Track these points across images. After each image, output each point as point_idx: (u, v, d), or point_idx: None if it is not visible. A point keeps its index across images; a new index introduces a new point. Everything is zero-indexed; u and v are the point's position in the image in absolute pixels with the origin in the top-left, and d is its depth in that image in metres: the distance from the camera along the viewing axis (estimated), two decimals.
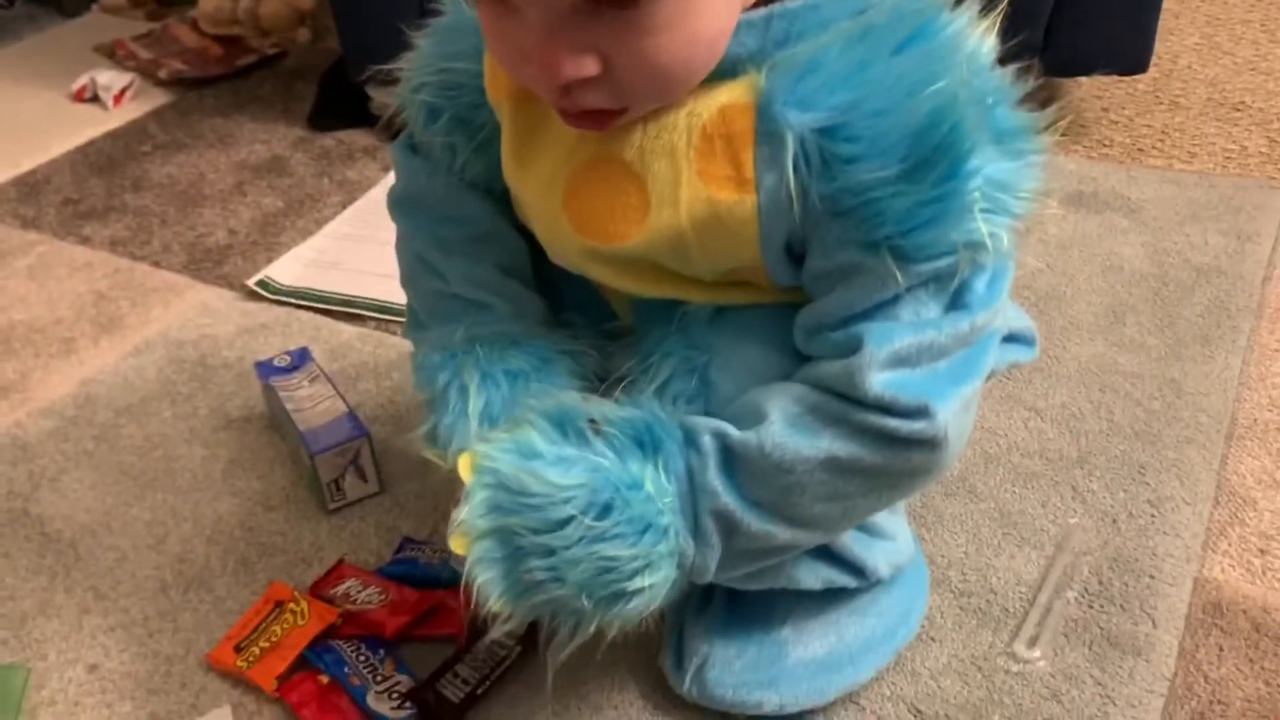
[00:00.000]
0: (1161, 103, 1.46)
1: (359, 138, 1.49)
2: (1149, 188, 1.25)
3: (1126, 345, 1.01)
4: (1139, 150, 1.35)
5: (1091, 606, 0.77)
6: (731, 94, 0.54)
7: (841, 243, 0.54)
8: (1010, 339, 0.75)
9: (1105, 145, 1.36)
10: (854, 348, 0.55)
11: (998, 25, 0.54)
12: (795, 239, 0.56)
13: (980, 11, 0.53)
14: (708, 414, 0.60)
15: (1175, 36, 1.63)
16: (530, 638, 0.75)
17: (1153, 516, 0.83)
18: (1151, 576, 0.78)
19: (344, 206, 1.33)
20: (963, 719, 0.70)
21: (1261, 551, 0.81)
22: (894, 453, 0.56)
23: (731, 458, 0.57)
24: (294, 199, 1.36)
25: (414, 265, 0.72)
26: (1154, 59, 1.35)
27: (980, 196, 0.51)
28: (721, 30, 0.52)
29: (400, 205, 0.73)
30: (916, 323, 0.55)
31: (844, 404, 0.55)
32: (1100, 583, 0.78)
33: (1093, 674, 0.72)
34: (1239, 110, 1.42)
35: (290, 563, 0.84)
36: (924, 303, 0.55)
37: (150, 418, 1.01)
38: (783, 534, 0.58)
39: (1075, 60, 1.32)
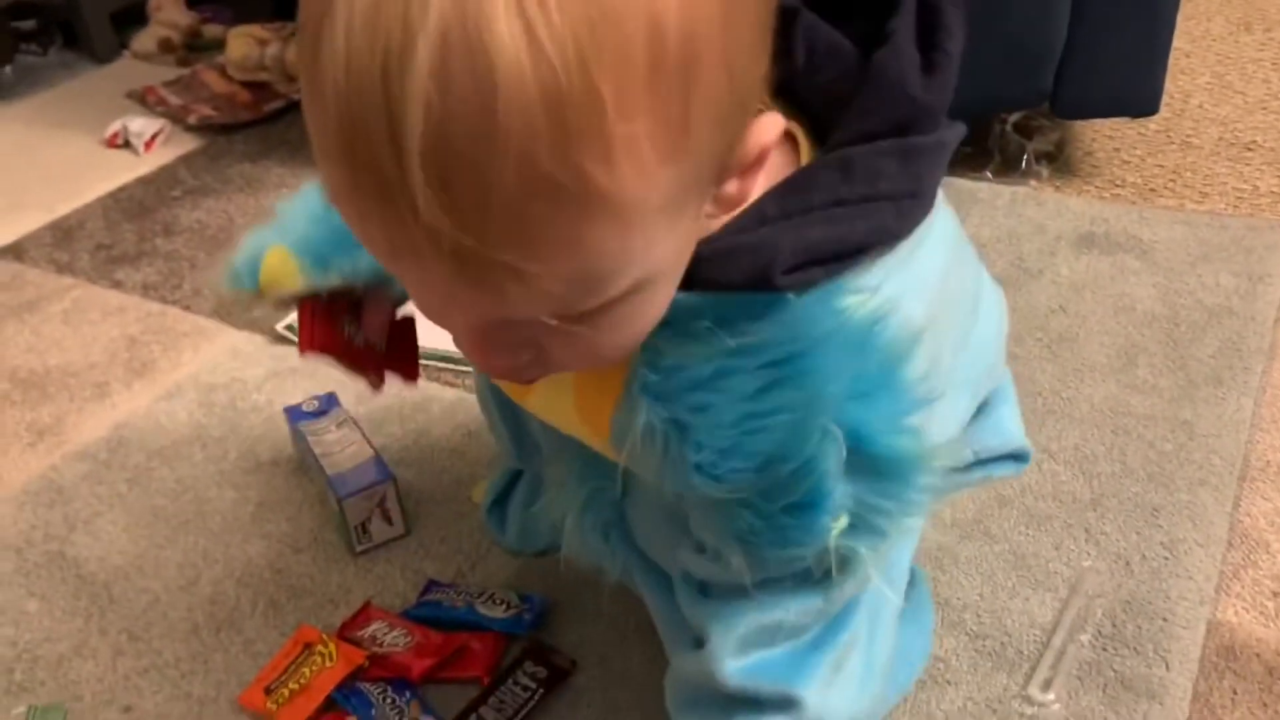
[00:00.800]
0: (1173, 142, 1.48)
1: None
2: (1161, 228, 1.27)
3: (1139, 387, 1.02)
4: (1151, 190, 1.36)
5: (1105, 649, 0.78)
6: None
7: (699, 525, 0.55)
8: (997, 460, 0.73)
9: (1118, 185, 1.38)
10: (703, 627, 0.56)
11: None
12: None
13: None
14: (626, 538, 0.65)
15: (1186, 76, 1.65)
16: (553, 681, 0.77)
17: (1166, 559, 0.84)
18: (1165, 619, 0.80)
19: None
20: None
21: (1275, 594, 0.82)
22: None
23: None
24: None
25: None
26: (1165, 98, 1.37)
27: (845, 518, 0.50)
28: (663, 309, 0.47)
29: None
30: (762, 601, 0.55)
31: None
32: (1114, 625, 0.79)
33: (1107, 717, 0.73)
34: (1250, 150, 1.44)
35: (318, 604, 0.86)
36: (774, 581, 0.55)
37: (181, 461, 1.03)
38: None
39: (1085, 104, 1.34)
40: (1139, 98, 1.33)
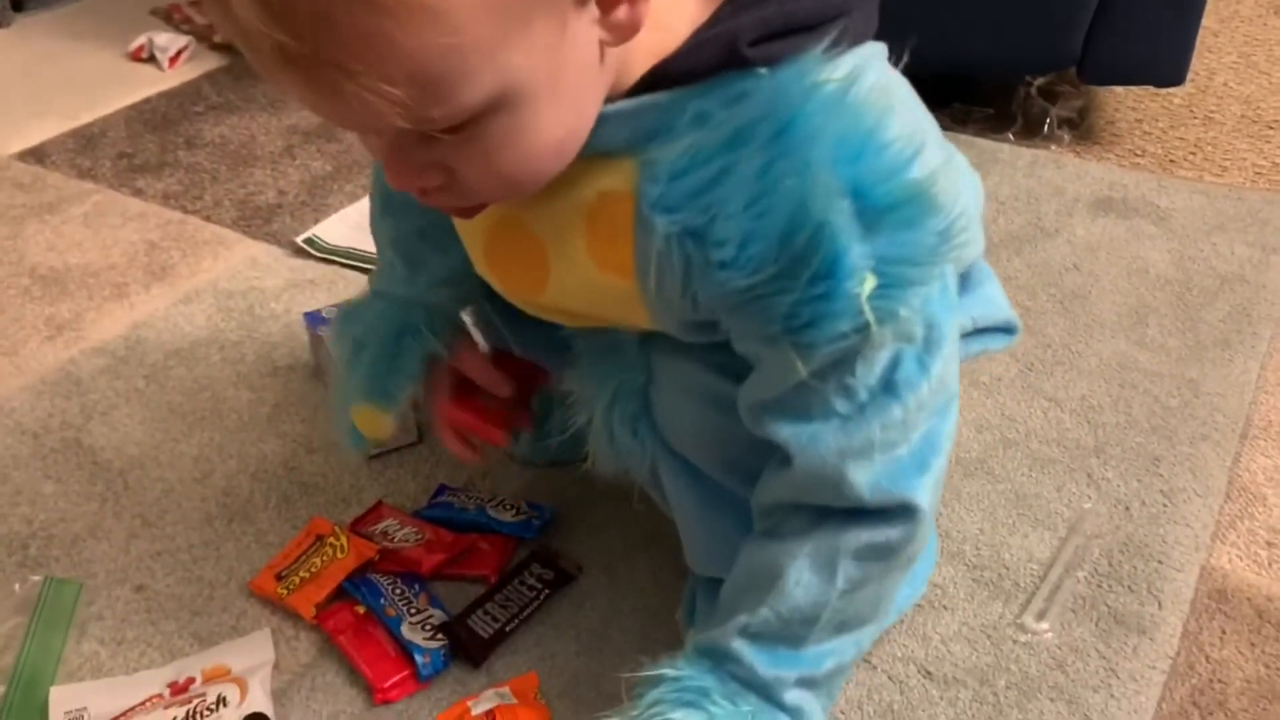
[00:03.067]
0: (1196, 117, 1.48)
1: None
2: (1179, 197, 1.27)
3: (1148, 345, 1.04)
4: (1171, 161, 1.37)
5: (1100, 586, 0.79)
6: (613, 179, 0.55)
7: (743, 335, 0.56)
8: (989, 330, 0.75)
9: (1138, 155, 1.39)
10: (793, 454, 0.57)
11: (899, 63, 0.54)
12: (697, 318, 0.58)
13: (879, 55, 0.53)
14: (655, 428, 0.65)
15: (1213, 54, 1.65)
16: (559, 583, 0.79)
17: (1164, 506, 0.86)
18: (1160, 562, 0.81)
19: None
20: (970, 682, 0.73)
21: (1269, 544, 0.83)
22: (891, 551, 0.60)
23: (767, 643, 0.61)
24: (342, 164, 1.40)
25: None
26: (1191, 74, 1.37)
27: (873, 277, 0.51)
28: (566, 135, 0.51)
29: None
30: (845, 423, 0.56)
31: (838, 533, 0.59)
32: (1110, 564, 0.81)
33: (1098, 648, 0.75)
34: (1272, 128, 1.44)
35: (330, 502, 0.88)
36: (843, 392, 0.56)
37: (199, 362, 1.04)
38: (848, 646, 0.62)
39: (1113, 70, 1.35)
40: (1166, 68, 1.34)
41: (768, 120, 0.50)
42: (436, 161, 0.50)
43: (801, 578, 0.59)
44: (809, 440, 0.57)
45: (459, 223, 0.66)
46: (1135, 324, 1.06)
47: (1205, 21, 1.35)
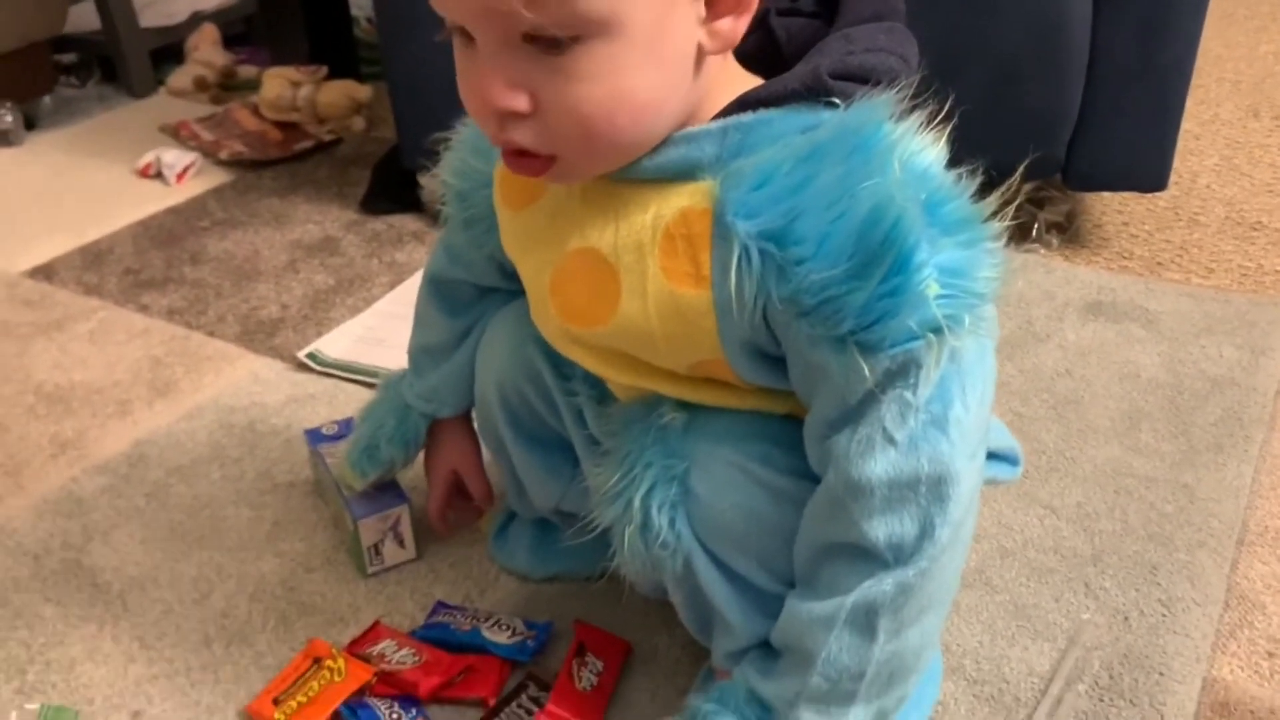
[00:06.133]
0: (1181, 219, 1.51)
1: (408, 222, 1.56)
2: (1167, 300, 1.30)
3: (1141, 450, 1.04)
4: (1158, 264, 1.40)
5: (1102, 700, 0.79)
6: (691, 198, 0.59)
7: (812, 341, 0.58)
8: (992, 457, 0.77)
9: (1125, 258, 1.41)
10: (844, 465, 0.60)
11: (944, 134, 0.58)
12: (761, 340, 0.60)
13: (927, 123, 0.57)
14: (689, 519, 0.66)
15: (1195, 157, 1.69)
16: None
17: (1164, 616, 0.86)
18: (1161, 674, 0.81)
19: (391, 286, 1.39)
20: None
21: (1270, 655, 0.83)
22: (920, 585, 0.61)
23: (820, 706, 0.64)
24: (344, 278, 1.43)
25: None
26: (1174, 177, 1.40)
27: (936, 284, 0.54)
28: (650, 102, 0.56)
29: (428, 281, 0.88)
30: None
31: (871, 586, 0.61)
32: (1111, 677, 0.81)
33: None
34: (1256, 230, 1.47)
35: (329, 622, 0.88)
36: (900, 413, 0.58)
37: (199, 479, 1.05)
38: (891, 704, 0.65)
39: (1096, 176, 1.38)
40: (1148, 174, 1.37)
41: (844, 139, 0.55)
42: (528, 83, 0.54)
43: (844, 641, 0.62)
44: (861, 451, 0.59)
45: (523, 261, 0.69)
46: (1129, 429, 1.07)
47: (1186, 125, 1.38)
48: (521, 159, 0.58)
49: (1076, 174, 1.37)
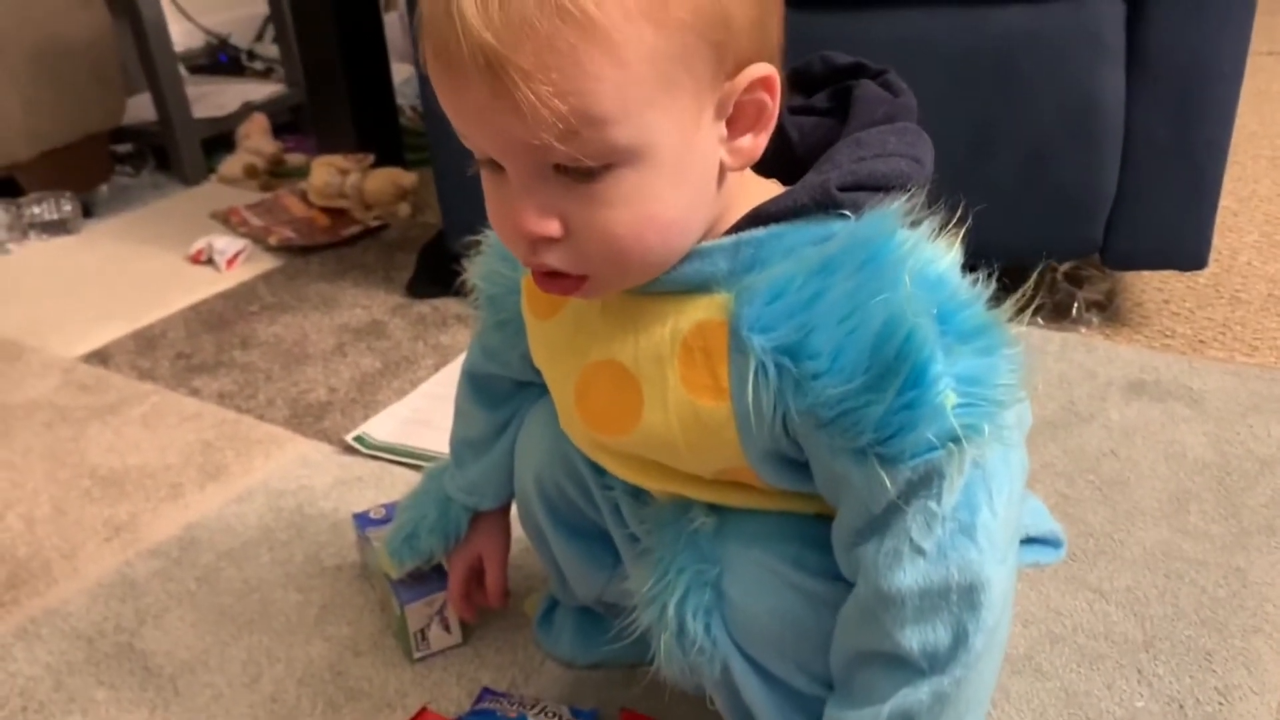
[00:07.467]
0: (1222, 297, 1.51)
1: (453, 306, 1.59)
2: (1211, 379, 1.29)
3: (1191, 532, 1.03)
4: (1200, 342, 1.39)
5: None
6: (708, 311, 0.60)
7: (833, 451, 0.58)
8: (1034, 541, 0.77)
9: (1168, 336, 1.41)
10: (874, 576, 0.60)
11: (957, 238, 0.58)
12: (783, 447, 0.61)
13: (941, 228, 0.58)
14: (725, 624, 0.66)
15: (1235, 234, 1.69)
16: None
17: (1220, 704, 0.84)
18: None
19: (437, 369, 1.42)
20: None
21: None
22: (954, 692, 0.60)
23: None
24: (391, 360, 1.45)
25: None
26: (1214, 254, 1.40)
27: (954, 394, 0.54)
28: (676, 221, 0.57)
29: (465, 375, 0.91)
30: (926, 555, 0.58)
31: (907, 695, 0.60)
32: None
33: None
34: None
35: (375, 707, 0.88)
36: (926, 524, 0.58)
37: (249, 562, 1.07)
38: None
39: (1135, 256, 1.38)
40: (1187, 252, 1.37)
41: (855, 252, 0.56)
42: (559, 209, 0.55)
43: None
44: (889, 563, 0.58)
45: (549, 368, 0.71)
46: (1176, 510, 1.06)
47: (1224, 202, 1.38)
48: (554, 280, 0.59)
49: (1115, 254, 1.37)
